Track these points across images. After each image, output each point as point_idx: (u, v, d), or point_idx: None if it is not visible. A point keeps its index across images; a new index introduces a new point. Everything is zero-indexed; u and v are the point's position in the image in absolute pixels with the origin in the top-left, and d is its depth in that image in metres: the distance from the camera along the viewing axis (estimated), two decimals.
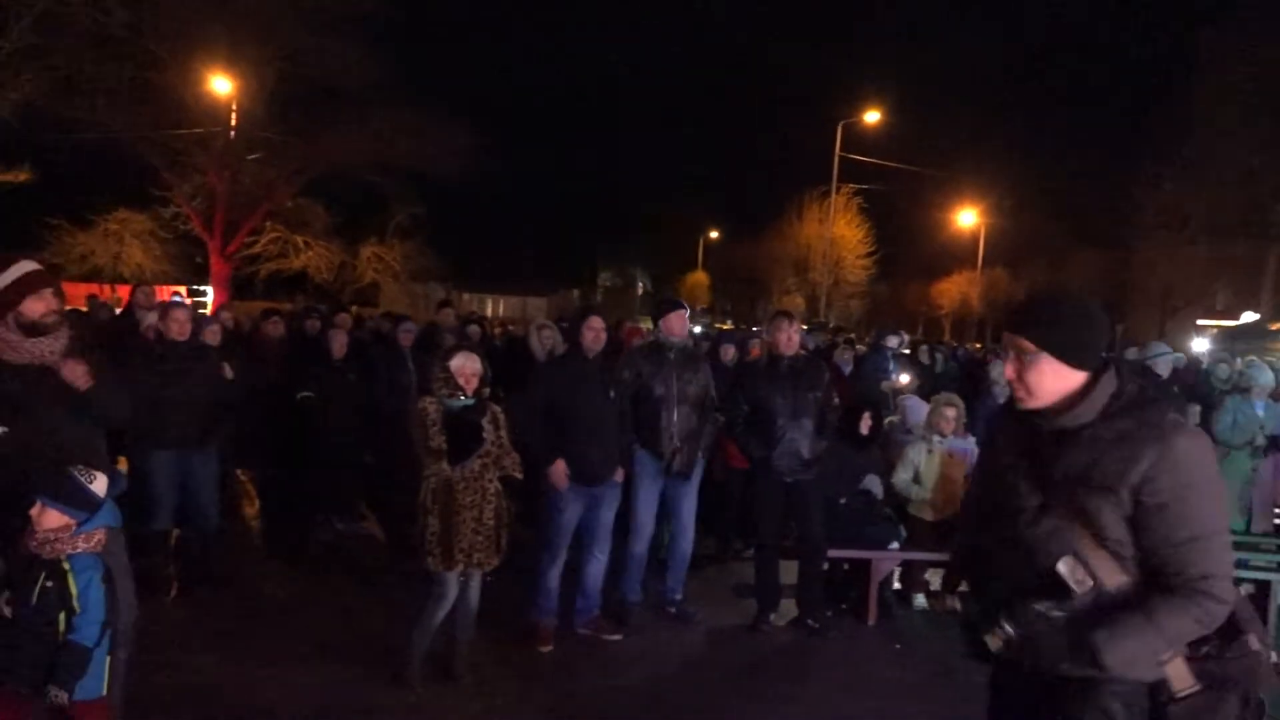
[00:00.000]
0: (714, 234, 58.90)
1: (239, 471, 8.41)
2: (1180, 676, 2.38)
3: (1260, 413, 7.68)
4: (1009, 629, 2.49)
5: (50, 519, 3.29)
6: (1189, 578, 2.31)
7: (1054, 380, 2.41)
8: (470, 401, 4.87)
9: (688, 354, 6.27)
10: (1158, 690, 2.39)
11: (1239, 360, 8.78)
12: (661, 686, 5.31)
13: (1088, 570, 2.39)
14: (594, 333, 5.79)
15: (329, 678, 5.05)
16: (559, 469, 5.59)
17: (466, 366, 4.89)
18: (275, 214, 27.13)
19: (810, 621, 6.19)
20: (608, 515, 5.90)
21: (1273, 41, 27.92)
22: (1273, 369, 10.66)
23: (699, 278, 57.87)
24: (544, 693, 5.09)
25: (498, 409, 5.09)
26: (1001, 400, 8.51)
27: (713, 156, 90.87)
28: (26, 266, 3.66)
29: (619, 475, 5.89)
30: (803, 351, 6.46)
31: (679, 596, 6.43)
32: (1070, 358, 2.39)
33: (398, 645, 5.03)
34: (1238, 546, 7.36)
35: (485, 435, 4.89)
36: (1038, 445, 2.50)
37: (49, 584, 3.27)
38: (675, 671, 5.55)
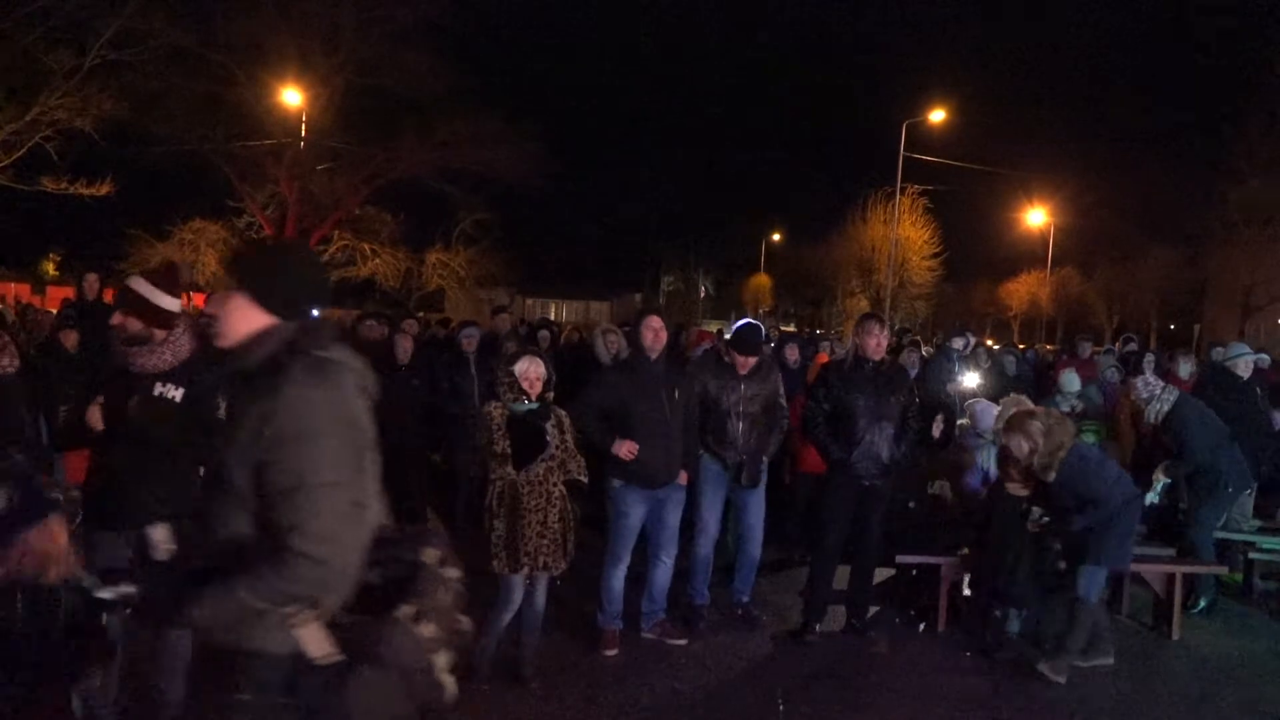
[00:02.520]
0: (776, 236, 58.60)
1: None
2: (316, 643, 2.22)
3: None
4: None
5: None
6: (279, 530, 2.18)
7: (241, 320, 2.36)
8: (534, 405, 4.91)
9: (754, 366, 6.22)
10: (299, 659, 2.22)
11: None
12: (726, 692, 5.29)
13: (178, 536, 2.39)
14: (653, 332, 5.78)
15: None
16: (624, 446, 5.55)
17: (531, 370, 4.93)
18: (344, 222, 27.66)
19: (855, 623, 6.15)
20: (673, 518, 5.90)
21: None
22: None
23: (762, 280, 57.56)
24: (609, 697, 5.10)
25: (562, 413, 5.12)
26: (1067, 409, 8.39)
27: (776, 158, 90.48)
28: None
29: (683, 478, 5.88)
30: (888, 357, 6.41)
31: (746, 599, 6.41)
32: (262, 299, 2.35)
33: (467, 647, 5.07)
34: None
35: (550, 439, 4.93)
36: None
37: None
38: (740, 677, 5.52)
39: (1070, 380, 8.73)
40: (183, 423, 3.91)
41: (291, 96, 24.78)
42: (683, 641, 5.89)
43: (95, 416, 3.92)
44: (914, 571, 6.77)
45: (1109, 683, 5.71)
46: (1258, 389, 8.11)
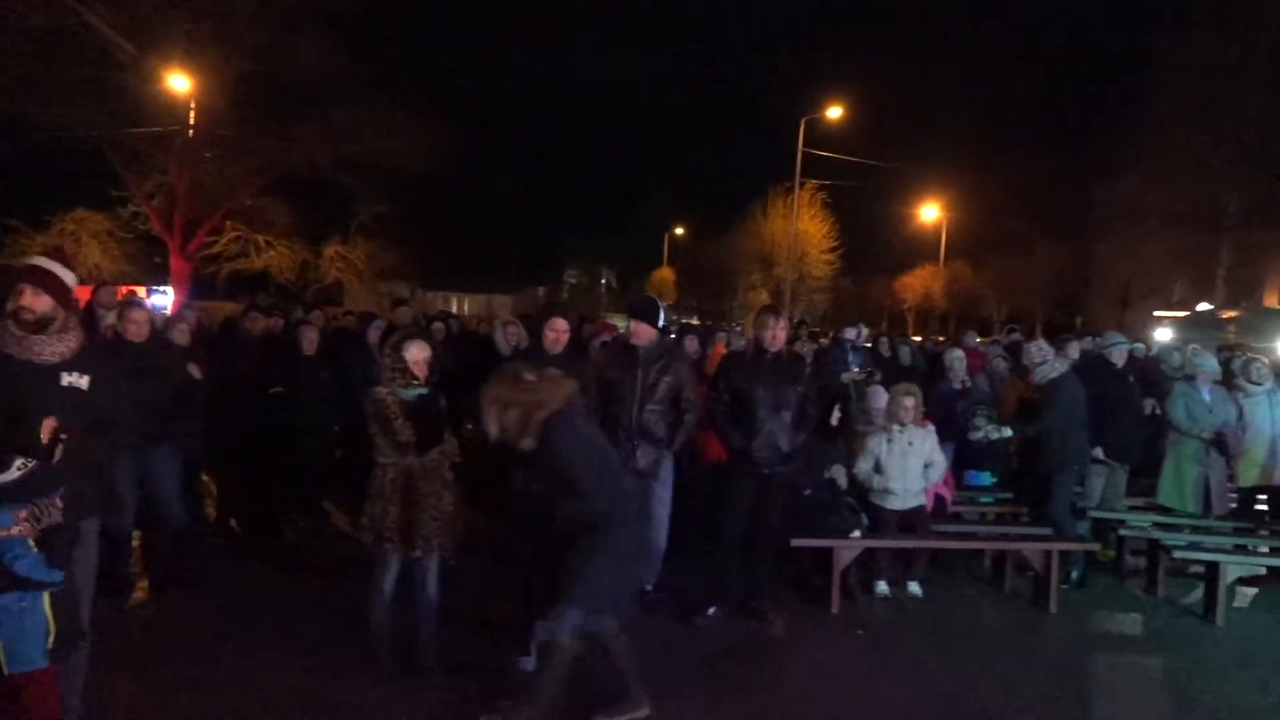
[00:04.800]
0: (680, 230, 59.05)
1: (205, 473, 8.37)
2: None
3: (1207, 398, 7.87)
4: None
5: None
6: None
7: None
8: (425, 390, 4.91)
9: (656, 354, 6.28)
10: None
11: (1189, 349, 8.96)
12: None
13: None
14: (555, 334, 5.86)
15: (299, 675, 5.07)
16: None
17: (420, 354, 4.92)
18: (236, 213, 26.85)
19: (753, 606, 6.29)
20: None
21: (1223, 45, 28.51)
22: (1231, 357, 10.94)
23: (665, 274, 57.95)
24: (512, 685, 5.12)
25: (441, 397, 5.13)
26: (958, 385, 8.75)
27: (678, 153, 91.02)
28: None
29: None
30: (786, 347, 6.55)
31: (649, 586, 6.50)
32: None
33: (367, 640, 5.05)
34: (1191, 530, 7.57)
35: (444, 423, 4.94)
36: None
37: None
38: (644, 663, 5.58)
39: (957, 357, 9.10)
40: (91, 412, 3.84)
41: (179, 82, 23.93)
42: None
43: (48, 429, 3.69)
44: (808, 555, 6.96)
45: (990, 656, 5.97)
46: (1131, 376, 8.54)
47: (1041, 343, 7.87)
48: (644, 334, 6.19)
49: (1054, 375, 7.41)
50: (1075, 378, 7.57)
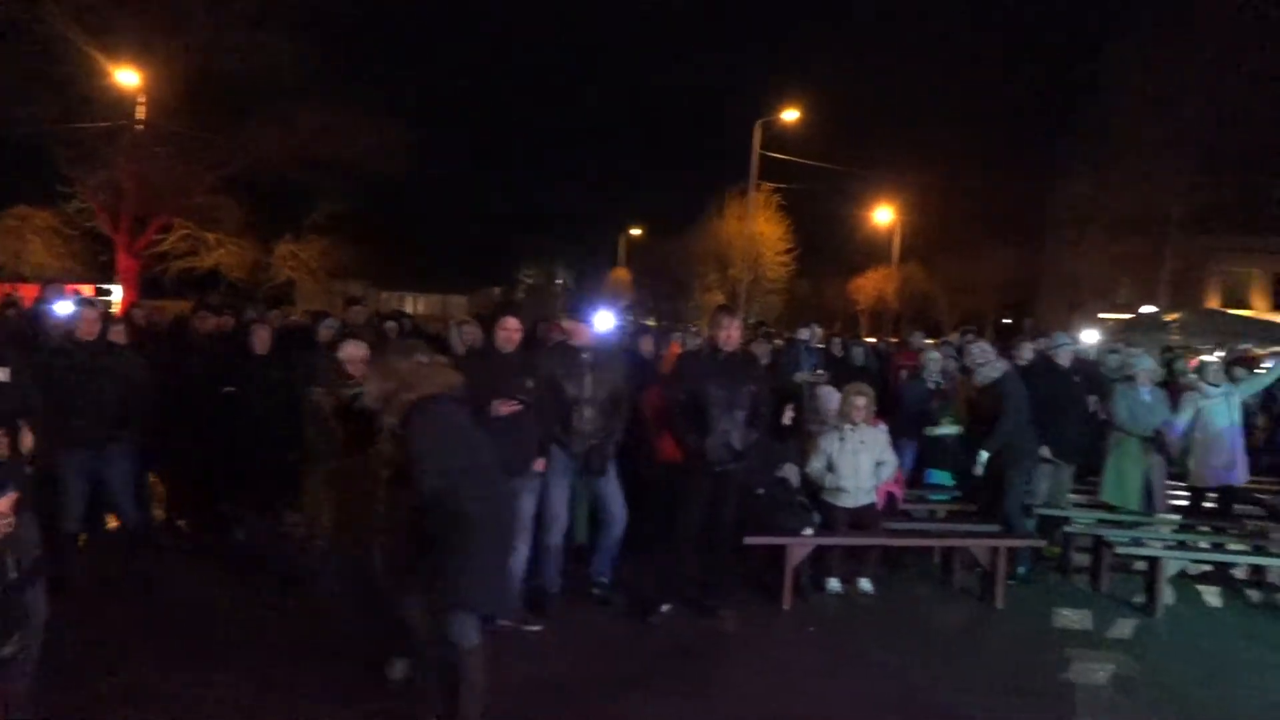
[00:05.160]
0: (636, 231, 59.07)
1: (154, 473, 8.25)
2: None
3: (1147, 398, 8.07)
4: None
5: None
6: None
7: None
8: (360, 389, 4.89)
9: (601, 354, 6.35)
10: None
11: (1127, 350, 9.20)
12: (581, 675, 5.39)
13: None
14: (506, 333, 5.89)
15: (250, 678, 5.01)
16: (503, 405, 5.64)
17: (354, 354, 4.90)
18: (186, 210, 26.41)
19: (706, 603, 6.33)
20: (526, 507, 5.95)
21: (1166, 55, 29.23)
22: (1173, 358, 11.22)
23: (621, 274, 57.93)
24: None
25: None
26: (931, 385, 8.87)
27: (634, 154, 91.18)
28: None
29: (538, 466, 5.95)
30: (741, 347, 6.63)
31: (605, 579, 6.53)
32: None
33: (319, 643, 5.01)
34: (1133, 526, 7.75)
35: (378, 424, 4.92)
36: None
37: None
38: (596, 660, 5.63)
39: (933, 358, 9.27)
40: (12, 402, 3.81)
41: (128, 77, 23.50)
42: (537, 627, 5.96)
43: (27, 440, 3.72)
44: (761, 553, 7.02)
45: (939, 651, 6.08)
46: (1076, 377, 8.72)
47: (983, 344, 8.02)
48: (582, 334, 6.26)
49: (996, 375, 7.55)
50: (1017, 377, 7.70)
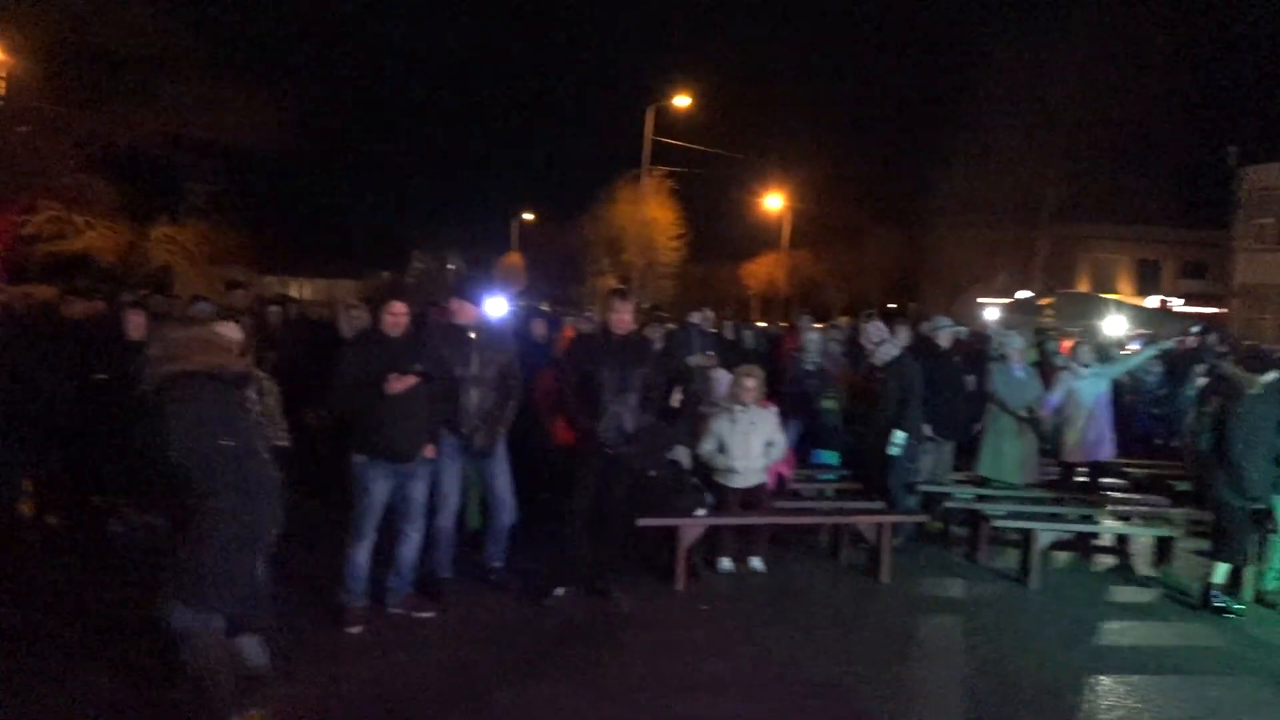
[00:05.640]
0: (529, 216, 58.65)
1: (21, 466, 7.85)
2: None
3: (1020, 375, 8.43)
4: None
5: None
6: None
7: None
8: None
9: (488, 333, 6.33)
10: None
11: (998, 331, 9.61)
12: (476, 660, 5.36)
13: None
14: (393, 317, 5.80)
15: (117, 672, 4.84)
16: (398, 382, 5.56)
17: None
18: (52, 191, 25.08)
19: (600, 585, 6.37)
20: (419, 493, 5.88)
21: (1039, 50, 30.47)
22: (1046, 339, 11.72)
23: (514, 259, 57.48)
24: (355, 673, 5.04)
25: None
26: (809, 367, 9.07)
27: (528, 139, 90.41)
28: None
29: (429, 451, 5.88)
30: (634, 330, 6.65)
31: (498, 564, 6.50)
32: None
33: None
34: (1009, 500, 8.08)
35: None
36: None
37: None
38: (491, 645, 5.60)
39: (813, 339, 9.47)
40: None
41: None
42: (430, 614, 5.90)
43: None
44: (653, 534, 7.08)
45: (827, 626, 6.24)
46: (956, 357, 9.04)
47: (880, 324, 8.24)
48: (468, 313, 6.25)
49: (895, 353, 7.78)
50: (912, 359, 7.95)
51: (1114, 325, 11.99)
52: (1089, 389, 8.50)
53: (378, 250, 62.02)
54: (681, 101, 33.18)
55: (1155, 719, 5.03)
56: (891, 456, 7.70)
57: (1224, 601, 6.81)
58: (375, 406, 5.55)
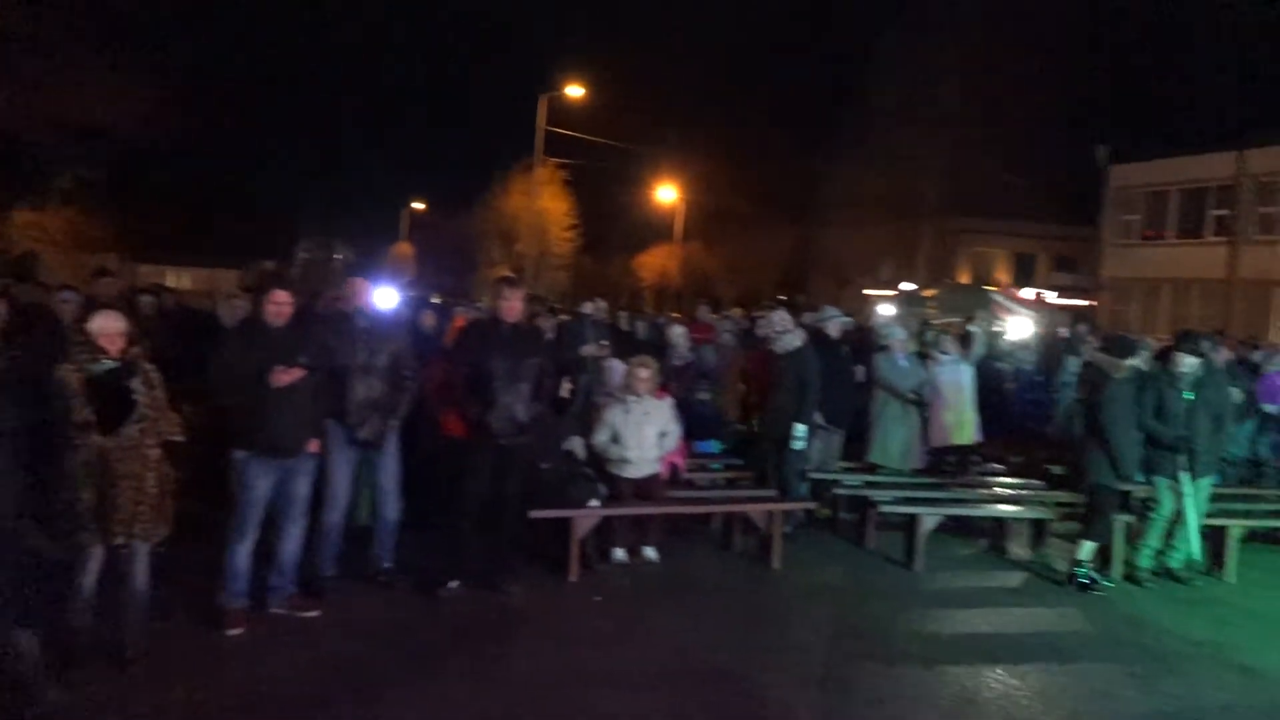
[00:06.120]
0: (419, 205, 57.64)
1: None
2: None
3: (904, 364, 8.66)
4: None
5: None
6: None
7: None
8: (115, 364, 4.54)
9: (379, 321, 6.19)
10: None
11: (880, 322, 9.86)
12: (364, 659, 5.22)
13: None
14: (276, 306, 5.58)
15: None
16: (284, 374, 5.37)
17: (108, 326, 4.55)
18: None
19: (493, 578, 6.29)
20: (302, 489, 5.69)
21: (924, 49, 31.41)
22: (929, 330, 12.05)
23: (404, 249, 56.40)
24: (232, 678, 4.85)
25: (150, 368, 4.77)
26: (679, 362, 9.10)
27: (418, 127, 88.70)
28: None
29: (313, 446, 5.69)
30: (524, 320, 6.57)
31: (387, 564, 6.34)
32: None
33: (59, 636, 4.60)
34: (896, 486, 8.28)
35: (138, 398, 4.57)
36: None
37: None
38: (379, 642, 5.47)
39: (679, 333, 9.53)
40: None
41: None
42: (315, 613, 5.72)
43: None
44: (546, 526, 7.03)
45: (720, 613, 6.29)
46: (844, 347, 9.21)
47: (784, 314, 8.32)
48: (360, 291, 6.14)
49: (797, 344, 7.87)
50: (813, 350, 8.05)
51: (1021, 326, 12.42)
52: (949, 376, 8.74)
53: (261, 239, 60.00)
54: (575, 92, 33.05)
55: (1032, 696, 5.22)
56: (780, 445, 7.80)
57: (1092, 578, 7.11)
58: (257, 399, 5.35)
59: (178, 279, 48.70)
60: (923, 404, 8.61)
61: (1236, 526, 7.68)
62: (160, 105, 24.65)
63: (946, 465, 8.90)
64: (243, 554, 5.46)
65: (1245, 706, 5.23)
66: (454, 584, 6.22)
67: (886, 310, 18.37)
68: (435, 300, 14.72)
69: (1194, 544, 7.38)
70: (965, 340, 9.73)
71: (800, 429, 7.72)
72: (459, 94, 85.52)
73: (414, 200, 57.50)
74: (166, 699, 4.54)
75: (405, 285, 11.88)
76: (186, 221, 49.77)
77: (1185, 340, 7.57)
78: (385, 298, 6.58)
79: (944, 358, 8.81)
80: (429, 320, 8.62)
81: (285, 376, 5.34)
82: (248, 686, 4.76)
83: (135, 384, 4.58)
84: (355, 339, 6.01)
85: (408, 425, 6.52)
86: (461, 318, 8.93)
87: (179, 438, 4.85)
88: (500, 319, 6.21)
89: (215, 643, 5.24)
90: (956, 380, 8.74)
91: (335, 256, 60.64)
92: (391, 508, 6.32)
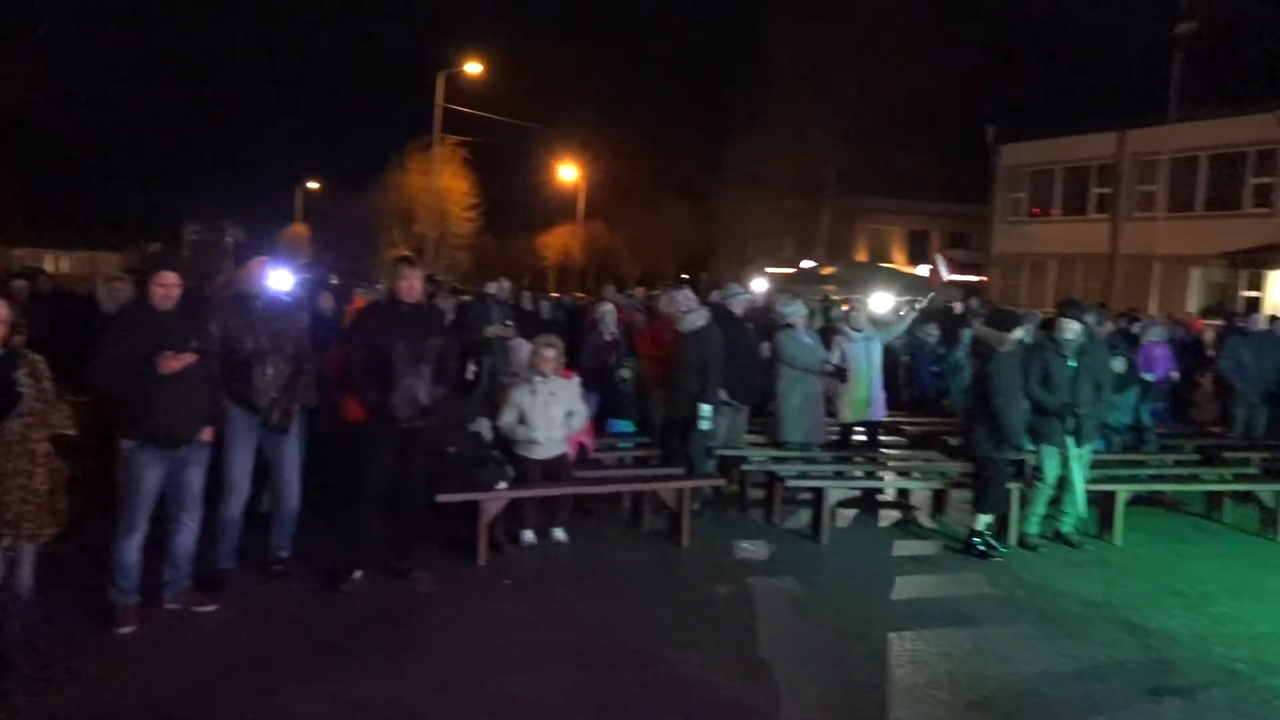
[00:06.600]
0: (314, 185, 56.15)
1: None
2: None
3: (807, 340, 8.78)
4: None
5: None
6: None
7: None
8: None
9: (279, 304, 5.99)
10: None
11: (779, 300, 10.01)
12: (265, 654, 5.04)
13: None
14: (164, 289, 5.32)
15: None
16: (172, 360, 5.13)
17: None
18: None
19: (398, 565, 6.17)
20: (195, 479, 5.46)
21: (819, 27, 31.81)
22: (830, 306, 12.23)
23: (299, 230, 54.91)
24: (127, 677, 4.64)
25: (37, 358, 4.51)
26: (609, 338, 9.07)
27: (312, 104, 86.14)
28: None
29: (207, 435, 5.46)
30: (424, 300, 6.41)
31: (285, 553, 6.15)
32: None
33: None
34: (800, 461, 8.39)
35: (23, 390, 4.31)
36: None
37: None
38: (281, 636, 5.29)
39: (607, 311, 9.51)
40: None
41: None
42: (212, 608, 5.50)
43: None
44: (454, 510, 6.92)
45: (631, 592, 6.29)
46: (749, 325, 9.28)
47: (689, 292, 8.32)
48: (258, 272, 5.95)
49: (701, 323, 7.87)
50: (717, 328, 8.06)
51: (881, 301, 12.72)
52: (861, 352, 8.90)
53: (146, 220, 57.68)
54: (474, 69, 32.54)
55: (939, 659, 5.34)
56: (687, 423, 7.81)
57: (990, 545, 7.33)
58: (145, 387, 5.10)
59: (56, 263, 46.56)
60: (843, 375, 8.73)
61: (1123, 491, 7.99)
62: (32, 81, 23.38)
63: (855, 439, 9.06)
64: (131, 548, 5.21)
65: (1136, 663, 5.45)
66: (357, 574, 6.06)
67: (759, 287, 18.63)
68: (333, 282, 14.36)
69: (1081, 507, 7.67)
70: (952, 318, 9.92)
71: (706, 409, 7.73)
72: (355, 71, 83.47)
73: (309, 180, 56.01)
74: (55, 704, 4.31)
75: (301, 267, 11.53)
76: (65, 203, 47.58)
77: (1069, 307, 7.84)
78: (280, 280, 6.33)
79: (855, 334, 8.95)
80: (327, 302, 8.39)
81: (175, 362, 5.11)
82: (137, 687, 4.55)
83: (20, 375, 4.31)
84: (258, 323, 5.78)
85: (307, 411, 6.33)
86: (361, 299, 8.72)
87: (70, 431, 4.60)
88: (399, 299, 6.05)
89: (105, 642, 5.00)
90: (868, 356, 8.90)
91: (226, 238, 58.80)
92: (293, 496, 6.12)
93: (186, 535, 5.47)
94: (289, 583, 6.00)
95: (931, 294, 13.31)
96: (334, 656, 5.02)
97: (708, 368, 7.74)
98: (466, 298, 13.38)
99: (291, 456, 6.10)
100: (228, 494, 5.84)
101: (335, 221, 49.64)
